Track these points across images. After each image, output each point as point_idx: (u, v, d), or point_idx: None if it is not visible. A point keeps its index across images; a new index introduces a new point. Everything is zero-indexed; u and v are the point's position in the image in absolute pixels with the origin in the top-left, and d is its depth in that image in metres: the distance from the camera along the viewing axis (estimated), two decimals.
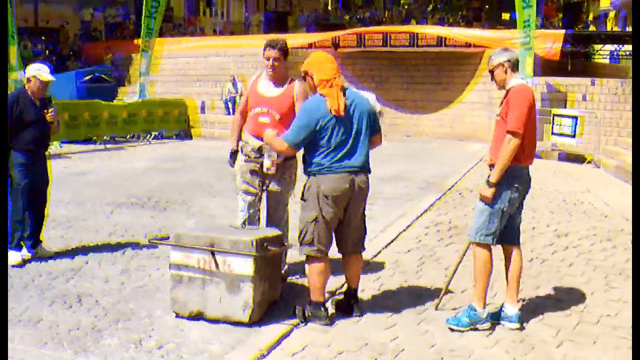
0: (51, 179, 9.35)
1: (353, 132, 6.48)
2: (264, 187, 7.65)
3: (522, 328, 6.60)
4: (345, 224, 6.68)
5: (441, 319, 6.75)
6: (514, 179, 6.43)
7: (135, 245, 9.63)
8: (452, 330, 6.50)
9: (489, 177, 6.44)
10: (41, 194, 9.03)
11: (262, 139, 7.37)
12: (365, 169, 6.58)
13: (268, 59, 7.52)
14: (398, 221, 11.33)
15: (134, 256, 9.11)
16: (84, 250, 9.37)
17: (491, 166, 6.53)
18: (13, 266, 8.53)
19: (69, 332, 6.45)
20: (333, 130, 6.39)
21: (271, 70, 7.55)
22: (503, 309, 6.73)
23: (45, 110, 8.82)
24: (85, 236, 10.18)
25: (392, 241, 9.96)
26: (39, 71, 8.81)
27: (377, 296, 7.48)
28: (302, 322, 6.58)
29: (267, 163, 7.23)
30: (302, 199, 6.60)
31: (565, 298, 7.49)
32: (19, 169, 8.70)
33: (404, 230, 10.69)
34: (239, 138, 7.87)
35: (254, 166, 7.66)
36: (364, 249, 6.96)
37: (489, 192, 6.41)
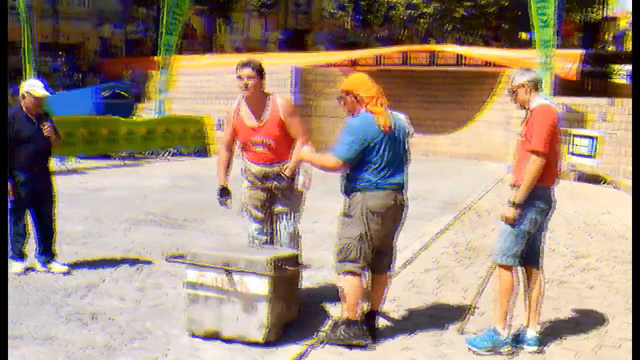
0: (57, 192, 9.37)
1: (400, 151, 6.54)
2: (272, 210, 7.56)
3: (541, 351, 6.51)
4: (385, 242, 6.67)
5: (460, 342, 6.68)
6: (537, 200, 6.38)
7: (152, 263, 9.59)
8: (473, 352, 6.45)
9: (512, 198, 6.39)
10: (46, 209, 9.13)
11: (262, 164, 7.39)
12: (405, 187, 6.62)
13: (240, 79, 7.13)
14: (415, 241, 11.24)
15: (151, 274, 9.07)
16: (100, 267, 9.33)
17: (515, 187, 6.48)
18: (16, 274, 8.80)
19: (84, 351, 6.40)
20: (384, 147, 6.39)
21: (245, 90, 7.15)
22: (522, 332, 6.67)
23: (41, 125, 8.84)
24: (102, 253, 10.14)
25: (409, 261, 9.89)
26: (33, 87, 8.87)
27: (394, 317, 7.40)
28: (344, 346, 6.46)
29: (302, 180, 7.22)
30: (346, 215, 6.53)
31: (585, 321, 7.40)
32: (21, 187, 8.83)
33: (421, 250, 10.62)
34: (227, 174, 7.60)
35: (259, 193, 7.53)
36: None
37: (511, 213, 6.37)
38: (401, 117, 6.71)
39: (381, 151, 6.38)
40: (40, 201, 9.07)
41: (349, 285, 6.53)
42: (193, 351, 6.44)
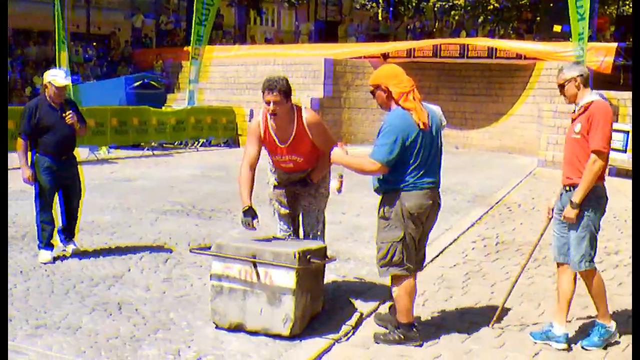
0: (83, 180, 9.65)
1: (434, 147, 6.28)
2: (294, 208, 7.58)
3: (569, 349, 6.43)
4: (420, 241, 6.49)
5: (486, 337, 6.61)
6: (600, 199, 6.36)
7: (178, 254, 9.58)
8: (584, 349, 6.47)
9: (572, 198, 6.27)
10: (70, 194, 9.37)
11: (289, 172, 7.33)
12: (439, 184, 6.43)
13: (267, 103, 6.82)
14: (444, 235, 11.14)
15: (177, 264, 9.05)
16: (127, 257, 9.34)
17: (568, 186, 6.42)
18: (43, 263, 8.92)
19: (108, 341, 6.40)
20: (420, 146, 6.13)
21: (272, 116, 6.88)
22: (550, 328, 6.60)
23: (64, 114, 8.98)
24: (129, 243, 10.15)
25: (437, 255, 9.81)
26: (54, 77, 9.04)
27: (421, 312, 7.32)
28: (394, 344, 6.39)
29: (335, 184, 6.99)
30: (383, 217, 6.32)
31: (614, 318, 7.24)
32: (44, 172, 8.99)
33: (450, 245, 10.53)
34: (250, 193, 7.15)
35: (284, 192, 7.54)
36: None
37: (573, 214, 6.27)
38: (434, 109, 6.46)
39: (417, 149, 6.11)
40: (67, 189, 9.30)
41: (400, 289, 6.35)
42: (217, 343, 6.42)
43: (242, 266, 6.58)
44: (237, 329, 6.67)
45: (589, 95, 6.36)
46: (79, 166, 9.55)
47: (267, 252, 6.51)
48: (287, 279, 6.42)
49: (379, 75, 6.36)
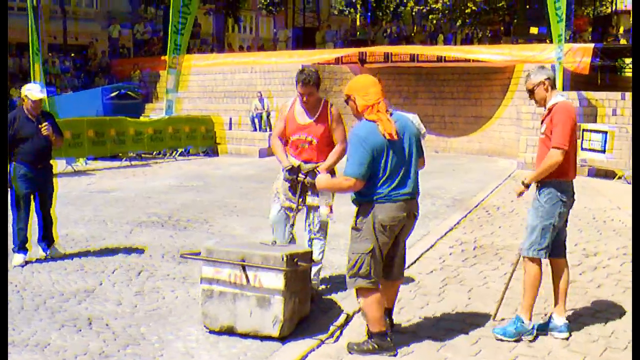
0: (56, 187, 10.26)
1: (405, 157, 6.19)
2: (302, 202, 7.80)
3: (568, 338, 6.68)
4: (394, 251, 6.44)
5: (461, 345, 6.53)
6: (562, 194, 6.62)
7: (152, 266, 9.46)
8: (498, 340, 6.63)
9: (523, 178, 6.77)
10: (44, 201, 9.89)
11: (303, 161, 7.76)
12: (417, 194, 6.36)
13: (302, 95, 7.69)
14: (422, 240, 11.05)
15: (150, 277, 8.93)
16: (99, 270, 9.21)
17: (539, 183, 6.71)
18: (15, 266, 9.34)
19: (76, 358, 6.28)
20: (388, 157, 6.07)
21: (305, 103, 7.75)
22: (551, 320, 6.83)
23: (40, 126, 9.51)
24: (102, 256, 10.00)
25: (414, 261, 9.70)
26: (30, 91, 9.62)
27: (397, 319, 7.21)
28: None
29: (324, 210, 7.53)
30: (355, 229, 6.27)
31: (592, 322, 7.20)
32: (20, 179, 9.55)
33: (428, 250, 10.44)
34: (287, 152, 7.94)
35: (290, 187, 7.83)
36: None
37: (519, 189, 6.78)
38: (409, 118, 6.38)
39: (385, 160, 6.06)
40: (42, 195, 9.81)
41: (367, 302, 6.29)
42: (187, 357, 6.30)
43: (231, 270, 6.74)
44: (228, 331, 6.76)
45: (554, 97, 6.68)
46: (54, 177, 10.06)
47: (256, 256, 6.68)
48: (276, 281, 6.60)
49: (351, 86, 6.42)
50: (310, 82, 7.63)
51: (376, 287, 6.28)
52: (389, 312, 6.76)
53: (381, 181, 6.09)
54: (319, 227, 7.90)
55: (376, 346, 6.31)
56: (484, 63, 27.65)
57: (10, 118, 9.52)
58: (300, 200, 7.76)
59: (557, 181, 6.58)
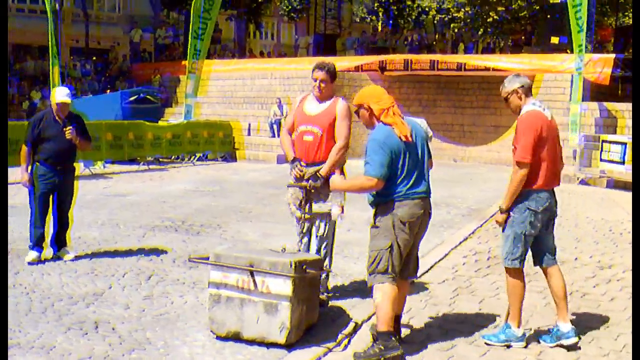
0: (77, 191, 10.38)
1: (419, 158, 6.46)
2: (309, 210, 7.77)
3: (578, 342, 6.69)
4: (410, 249, 6.58)
5: (469, 356, 6.43)
6: (527, 202, 6.61)
7: (162, 271, 9.42)
8: (487, 344, 6.68)
9: (499, 204, 6.78)
10: (62, 202, 9.99)
11: (306, 165, 7.73)
12: (430, 193, 6.57)
13: (315, 80, 7.78)
14: (435, 249, 10.97)
15: (160, 282, 8.89)
16: (110, 274, 9.19)
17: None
18: (29, 263, 9.57)
19: None
20: (405, 158, 6.33)
21: (318, 91, 7.81)
22: (557, 328, 6.76)
23: (65, 128, 9.62)
24: (114, 260, 9.97)
25: (427, 271, 9.61)
26: (56, 94, 9.81)
27: (406, 329, 7.15)
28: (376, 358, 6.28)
29: (336, 211, 7.49)
30: (374, 227, 6.46)
31: (604, 336, 7.10)
32: (39, 178, 9.69)
33: (441, 260, 10.35)
34: (292, 148, 7.98)
35: (297, 192, 7.84)
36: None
37: (500, 218, 6.74)
38: (418, 122, 6.69)
39: (402, 161, 6.31)
40: (60, 196, 9.91)
41: (382, 297, 6.35)
42: None
43: (239, 275, 6.72)
44: (235, 337, 6.71)
45: (526, 106, 6.70)
46: (75, 180, 10.16)
47: (265, 262, 6.66)
48: (283, 287, 6.57)
49: (361, 95, 6.64)
50: (325, 68, 7.76)
51: (393, 284, 6.37)
52: (397, 318, 6.71)
53: (399, 181, 6.33)
54: (326, 234, 7.85)
55: (382, 347, 6.30)
56: (504, 72, 27.48)
57: (37, 118, 9.87)
58: (307, 208, 7.73)
59: (526, 190, 6.58)
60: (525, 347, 6.67)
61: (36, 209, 9.75)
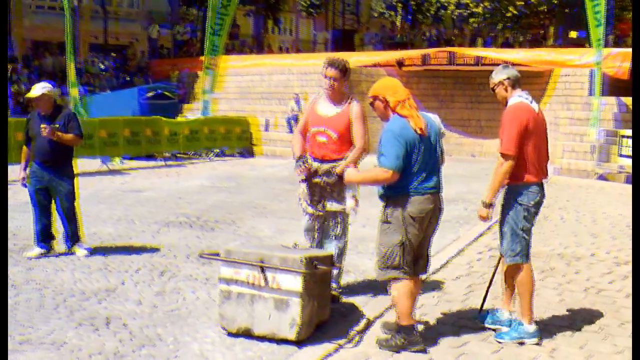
0: (77, 186, 10.16)
1: (432, 152, 6.38)
2: (322, 207, 7.74)
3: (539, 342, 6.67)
4: (421, 245, 6.51)
5: (481, 353, 6.39)
6: (520, 198, 6.60)
7: (175, 267, 9.41)
8: (499, 343, 6.63)
9: (483, 198, 6.67)
10: (60, 199, 9.86)
11: (320, 161, 7.64)
12: (441, 189, 6.50)
13: (327, 78, 7.57)
14: (450, 245, 10.92)
15: (172, 277, 8.88)
16: (123, 270, 9.18)
17: (505, 186, 6.68)
18: (29, 258, 9.64)
19: (90, 357, 6.23)
20: (419, 151, 6.24)
21: (330, 89, 7.61)
22: (498, 312, 7.08)
23: (42, 125, 9.50)
24: (127, 256, 9.96)
25: (441, 267, 9.56)
26: (34, 89, 9.73)
27: (418, 326, 7.08)
28: (395, 352, 6.32)
29: (351, 203, 7.38)
30: (385, 222, 6.38)
31: (619, 333, 7.02)
32: (30, 176, 9.83)
33: (455, 256, 10.29)
34: (303, 149, 7.84)
35: (311, 189, 7.77)
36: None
37: (484, 212, 6.67)
38: (432, 117, 6.58)
39: (416, 155, 6.22)
40: (56, 194, 9.84)
41: (399, 292, 6.37)
42: (202, 359, 6.23)
43: (250, 271, 6.68)
44: (245, 334, 6.68)
45: (512, 98, 6.68)
46: (75, 175, 10.08)
47: (275, 257, 6.62)
48: (294, 283, 6.52)
49: (377, 87, 6.53)
50: (336, 65, 7.55)
51: (408, 278, 6.37)
52: None
53: (411, 174, 6.24)
54: (339, 230, 7.78)
55: (404, 341, 6.35)
56: (522, 67, 27.35)
57: (28, 117, 10.06)
58: (320, 205, 7.70)
59: (515, 185, 6.58)
60: (539, 344, 6.61)
61: (35, 206, 9.83)
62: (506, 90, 6.70)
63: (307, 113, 7.88)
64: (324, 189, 7.67)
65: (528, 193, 6.60)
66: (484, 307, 7.37)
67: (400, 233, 6.28)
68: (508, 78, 6.69)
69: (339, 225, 7.79)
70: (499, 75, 6.74)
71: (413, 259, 6.43)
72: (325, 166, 7.64)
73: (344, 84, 7.67)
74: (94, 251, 10.05)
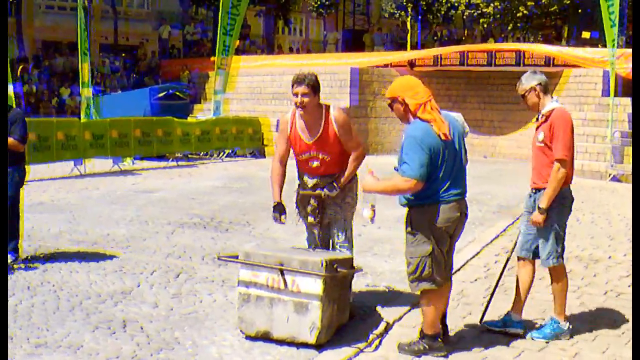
0: (22, 193, 9.45)
1: (457, 157, 6.16)
2: (321, 217, 7.43)
3: (524, 335, 6.82)
4: (449, 252, 6.37)
5: (503, 357, 6.31)
6: (564, 200, 6.73)
7: (191, 268, 9.35)
8: (533, 339, 6.74)
9: (539, 203, 6.64)
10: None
11: (316, 177, 7.30)
12: (466, 194, 6.32)
13: (296, 96, 7.03)
14: (467, 247, 10.82)
15: (188, 279, 8.82)
16: (138, 272, 9.12)
17: (535, 190, 6.82)
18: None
19: None
20: (443, 157, 6.01)
21: (300, 108, 7.06)
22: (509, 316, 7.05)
23: None
24: (142, 257, 9.91)
25: (459, 269, 9.47)
26: None
27: None
28: (416, 357, 6.30)
29: (369, 214, 6.83)
30: (411, 232, 6.21)
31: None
32: None
33: (473, 258, 10.22)
34: (281, 189, 7.41)
35: (310, 200, 7.41)
36: None
37: (540, 218, 6.61)
38: (454, 117, 6.36)
39: (441, 161, 6.00)
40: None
41: (429, 304, 6.30)
42: None
43: (269, 274, 6.63)
44: (264, 337, 6.62)
45: (550, 104, 6.68)
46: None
47: (295, 260, 6.56)
48: (314, 286, 6.46)
49: (395, 87, 6.27)
50: (305, 82, 6.99)
51: (441, 289, 6.29)
52: (442, 316, 6.60)
53: (436, 182, 6.04)
54: (344, 237, 7.45)
55: (427, 347, 6.31)
56: (534, 67, 27.24)
57: None
58: (320, 216, 7.38)
59: (560, 189, 6.64)
60: (563, 349, 6.56)
61: None
62: (538, 96, 6.69)
63: (288, 140, 7.34)
64: (325, 200, 7.36)
65: (567, 195, 6.74)
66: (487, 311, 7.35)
67: (429, 243, 6.12)
68: (540, 84, 6.68)
69: (344, 233, 7.47)
70: (529, 82, 6.72)
71: (444, 266, 6.28)
72: (326, 179, 7.30)
73: (315, 100, 7.09)
74: (110, 252, 9.96)
